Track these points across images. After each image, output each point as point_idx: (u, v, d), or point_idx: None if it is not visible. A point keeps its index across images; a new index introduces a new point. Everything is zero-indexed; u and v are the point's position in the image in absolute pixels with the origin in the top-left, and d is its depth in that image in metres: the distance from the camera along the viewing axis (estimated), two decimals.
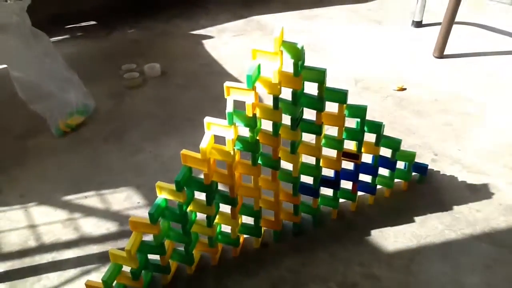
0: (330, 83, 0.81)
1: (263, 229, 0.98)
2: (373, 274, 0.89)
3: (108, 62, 1.79)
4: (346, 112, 0.89)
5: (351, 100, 0.87)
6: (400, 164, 1.06)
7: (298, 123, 0.86)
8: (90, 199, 1.12)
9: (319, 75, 0.81)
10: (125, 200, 1.11)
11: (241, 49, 1.87)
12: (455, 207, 1.02)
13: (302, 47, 0.78)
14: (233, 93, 0.80)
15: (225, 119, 0.80)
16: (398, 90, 1.46)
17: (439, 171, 1.12)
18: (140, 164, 1.23)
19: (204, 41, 1.95)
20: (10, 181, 1.18)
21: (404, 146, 1.16)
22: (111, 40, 2.02)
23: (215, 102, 1.45)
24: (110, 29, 2.13)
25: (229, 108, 0.80)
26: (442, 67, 1.62)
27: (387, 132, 0.96)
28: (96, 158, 1.27)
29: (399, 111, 1.36)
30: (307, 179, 0.95)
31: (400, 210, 1.03)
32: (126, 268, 0.85)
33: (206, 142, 0.80)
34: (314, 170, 0.94)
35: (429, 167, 1.12)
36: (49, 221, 1.06)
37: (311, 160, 0.93)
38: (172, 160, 1.23)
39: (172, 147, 1.29)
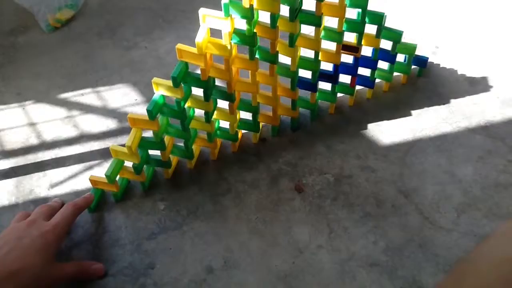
0: None
1: (261, 124, 0.99)
2: (369, 166, 0.92)
3: None
4: (347, 1, 0.85)
5: None
6: (400, 57, 1.04)
7: (297, 14, 0.82)
8: (87, 96, 1.12)
9: None
10: (122, 97, 1.11)
11: None
12: (453, 100, 1.02)
13: None
14: None
15: (221, 10, 0.76)
16: None
17: (439, 64, 1.11)
18: (135, 60, 1.21)
19: None
20: (3, 79, 1.17)
21: (405, 38, 1.13)
22: None
23: None
24: None
25: None
26: None
27: (388, 22, 0.93)
28: (90, 54, 1.24)
29: (402, 1, 1.30)
30: (305, 73, 0.93)
31: (397, 104, 1.03)
32: (128, 164, 0.87)
33: (202, 36, 0.77)
34: (312, 64, 0.92)
35: (429, 60, 1.10)
36: (48, 119, 1.07)
37: (309, 53, 0.90)
38: (167, 55, 1.21)
39: (167, 41, 1.25)
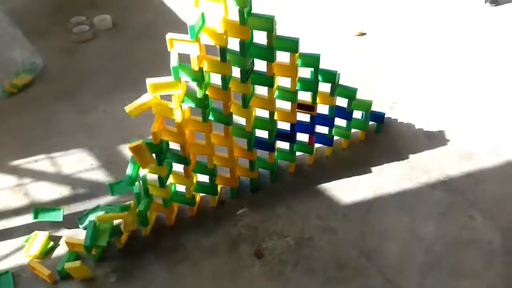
0: (285, 32, 0.78)
1: (219, 186, 0.97)
2: (330, 226, 0.89)
3: (56, 16, 1.68)
4: (298, 61, 0.86)
5: (310, 50, 0.84)
6: (357, 114, 1.05)
7: (249, 75, 0.82)
8: (41, 162, 1.08)
9: (267, 23, 0.77)
10: (78, 162, 1.07)
11: None
12: (411, 156, 1.02)
13: None
14: (176, 46, 0.75)
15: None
16: (358, 36, 1.42)
17: (396, 119, 1.11)
18: (93, 124, 1.18)
19: None
20: None
21: (363, 95, 1.14)
22: None
23: (169, 54, 1.38)
24: None
25: (174, 62, 0.75)
26: (402, 4, 1.57)
27: (345, 81, 0.94)
28: (46, 119, 1.21)
29: (359, 58, 1.33)
30: (262, 133, 0.92)
31: (357, 161, 1.02)
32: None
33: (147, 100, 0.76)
34: (268, 124, 0.91)
35: (387, 115, 1.11)
36: None
37: (265, 113, 0.90)
38: (126, 118, 1.17)
39: (126, 104, 1.23)
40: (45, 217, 0.92)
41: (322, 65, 0.88)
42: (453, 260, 0.82)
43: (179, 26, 1.55)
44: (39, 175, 1.05)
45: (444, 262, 0.82)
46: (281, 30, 0.80)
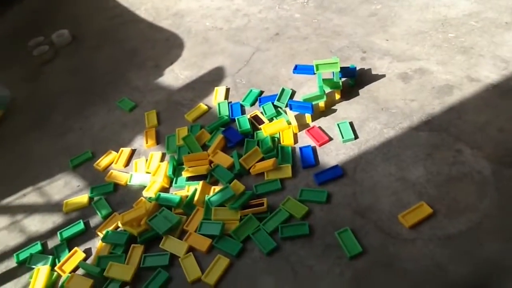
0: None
1: None
2: None
3: (14, 42, 1.65)
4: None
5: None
6: (330, 74, 1.02)
7: None
8: (29, 196, 1.08)
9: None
10: (64, 186, 1.07)
11: None
12: (390, 103, 0.99)
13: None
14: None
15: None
16: None
17: (370, 69, 1.08)
18: (71, 144, 1.17)
19: None
20: None
21: (332, 51, 1.11)
22: (11, 17, 1.85)
23: (132, 56, 1.34)
24: (5, 5, 1.92)
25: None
26: None
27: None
28: (26, 151, 1.20)
29: (322, 14, 1.28)
30: None
31: (337, 121, 0.99)
32: None
33: None
34: None
35: (359, 66, 1.08)
36: None
37: None
38: (102, 131, 1.17)
39: (100, 116, 1.22)
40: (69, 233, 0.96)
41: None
42: (447, 199, 0.80)
43: (137, 24, 1.52)
44: (30, 209, 1.05)
45: (438, 203, 0.80)
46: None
